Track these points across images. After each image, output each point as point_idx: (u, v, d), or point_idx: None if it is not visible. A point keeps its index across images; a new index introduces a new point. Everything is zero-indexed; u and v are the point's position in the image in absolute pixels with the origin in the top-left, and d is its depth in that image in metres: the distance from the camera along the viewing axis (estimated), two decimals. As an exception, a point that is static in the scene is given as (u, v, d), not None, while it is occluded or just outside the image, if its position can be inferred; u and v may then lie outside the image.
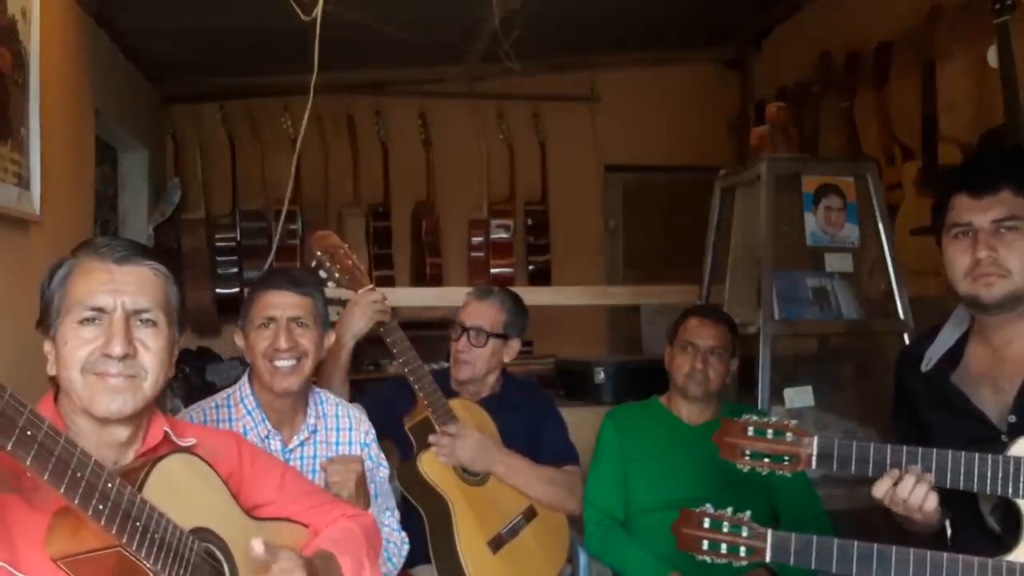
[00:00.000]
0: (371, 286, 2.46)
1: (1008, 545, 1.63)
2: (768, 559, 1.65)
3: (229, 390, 2.16)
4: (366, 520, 1.74)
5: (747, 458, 1.70)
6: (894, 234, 3.08)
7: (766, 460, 1.69)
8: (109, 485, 1.17)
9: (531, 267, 5.36)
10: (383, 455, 2.29)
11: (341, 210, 5.11)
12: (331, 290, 2.51)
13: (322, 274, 2.39)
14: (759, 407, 2.81)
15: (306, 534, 1.62)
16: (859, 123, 3.98)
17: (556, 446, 2.62)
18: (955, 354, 1.84)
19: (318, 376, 2.40)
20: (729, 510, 1.68)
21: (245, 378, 2.15)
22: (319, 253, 2.42)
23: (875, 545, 1.61)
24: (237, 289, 4.80)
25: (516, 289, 2.81)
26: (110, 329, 1.36)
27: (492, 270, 5.13)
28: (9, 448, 1.08)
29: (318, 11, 2.75)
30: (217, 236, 4.93)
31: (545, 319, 4.56)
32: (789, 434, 1.68)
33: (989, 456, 1.60)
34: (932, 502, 1.64)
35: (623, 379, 3.58)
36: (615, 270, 5.74)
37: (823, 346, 3.32)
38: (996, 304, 1.72)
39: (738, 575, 2.16)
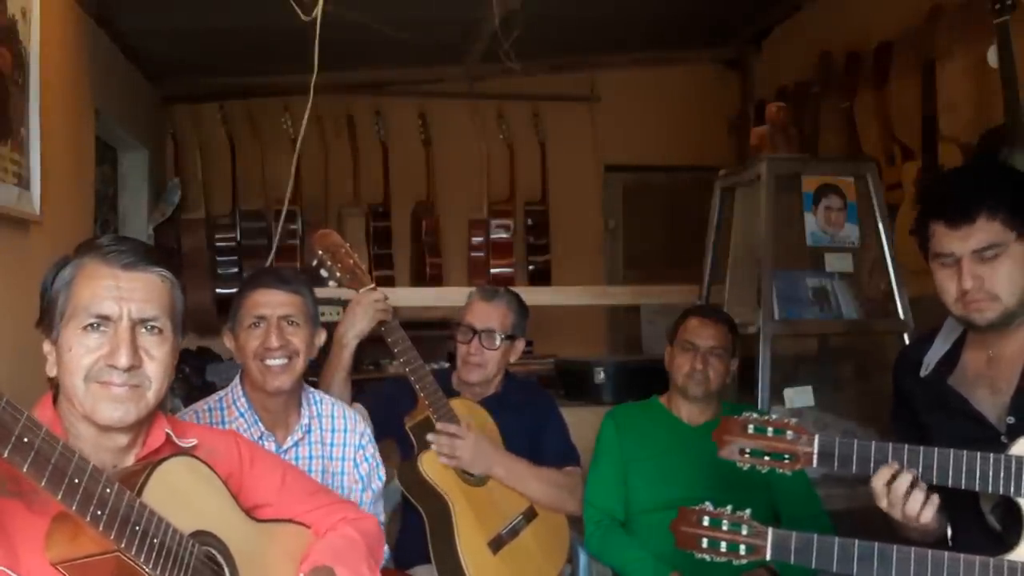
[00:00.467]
0: (372, 285, 2.45)
1: (1009, 544, 1.63)
2: (768, 557, 1.65)
3: (221, 392, 2.15)
4: (368, 524, 1.73)
5: (747, 456, 1.69)
6: (894, 234, 3.07)
7: (766, 458, 1.68)
8: (108, 490, 1.16)
9: (531, 267, 5.36)
10: (380, 458, 2.28)
11: (341, 210, 5.11)
12: (332, 289, 2.51)
13: (323, 273, 2.38)
14: (759, 407, 2.81)
15: (308, 535, 1.60)
16: (859, 123, 3.98)
17: (557, 447, 2.62)
18: (952, 357, 1.84)
19: (319, 376, 2.40)
20: (728, 508, 1.68)
21: (237, 379, 2.13)
22: (320, 252, 2.42)
23: (876, 544, 1.60)
24: (237, 289, 4.79)
25: (516, 289, 2.81)
26: (115, 338, 1.34)
27: (492, 270, 5.13)
28: (6, 455, 1.07)
29: (318, 11, 2.75)
30: (217, 236, 4.93)
31: (545, 319, 4.56)
32: (790, 432, 1.67)
33: (991, 455, 1.60)
34: (928, 513, 1.63)
35: (623, 379, 3.58)
36: (615, 270, 5.74)
37: (823, 346, 3.32)
38: (989, 325, 1.73)
39: (739, 575, 2.17)
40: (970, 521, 1.74)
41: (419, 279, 5.12)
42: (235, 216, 4.96)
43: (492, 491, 2.47)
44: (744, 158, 3.87)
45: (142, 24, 3.94)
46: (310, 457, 2.13)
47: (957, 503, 1.72)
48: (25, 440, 1.09)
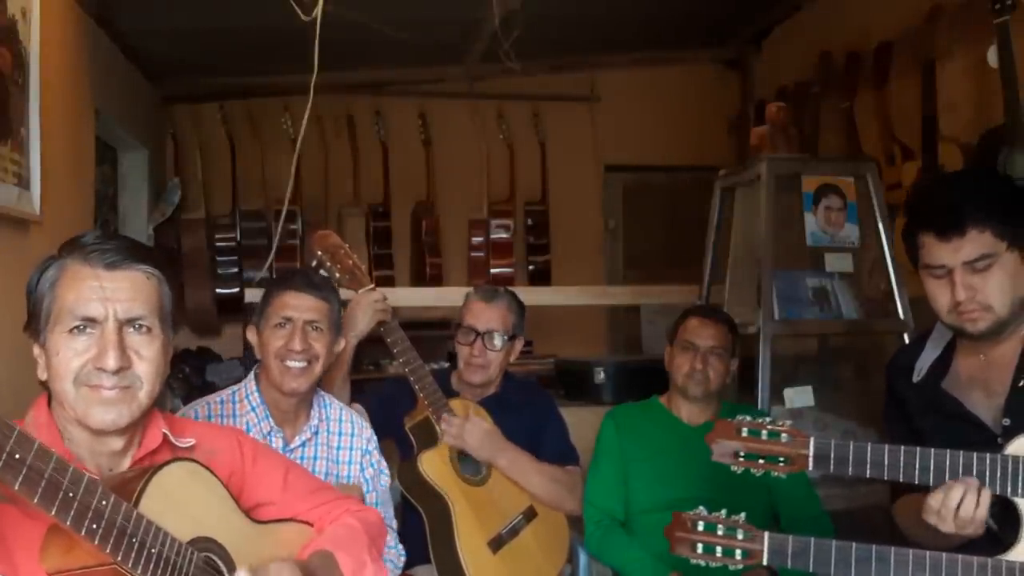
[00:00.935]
0: (372, 286, 2.46)
1: (1006, 544, 1.63)
2: (765, 561, 1.64)
3: (235, 387, 2.17)
4: (371, 515, 1.72)
5: (741, 459, 1.68)
6: (894, 234, 3.07)
7: (761, 461, 1.67)
8: (103, 503, 1.15)
9: (531, 267, 5.35)
10: (384, 462, 2.29)
11: (341, 210, 5.11)
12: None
13: (322, 273, 2.39)
14: (759, 407, 2.81)
15: (311, 533, 1.60)
16: (859, 123, 3.97)
17: (557, 447, 2.62)
18: (944, 361, 1.84)
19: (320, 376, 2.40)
20: (723, 512, 1.67)
21: (252, 375, 2.16)
22: (320, 253, 2.42)
23: (873, 546, 1.60)
24: (237, 289, 4.79)
25: (516, 289, 2.81)
26: (102, 340, 1.31)
27: (492, 270, 5.13)
28: None
29: (318, 11, 2.75)
30: (217, 236, 4.92)
31: (545, 319, 4.56)
32: (784, 435, 1.66)
33: (988, 455, 1.60)
34: (983, 513, 1.60)
35: (623, 379, 3.58)
36: (615, 270, 5.74)
37: (823, 346, 3.32)
38: (982, 335, 1.73)
39: (739, 574, 2.17)
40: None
41: (419, 279, 5.12)
42: (235, 216, 4.95)
43: (492, 491, 2.47)
44: (744, 158, 3.87)
45: (142, 24, 3.94)
46: (315, 458, 2.16)
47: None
48: (17, 456, 1.07)
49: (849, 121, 4.00)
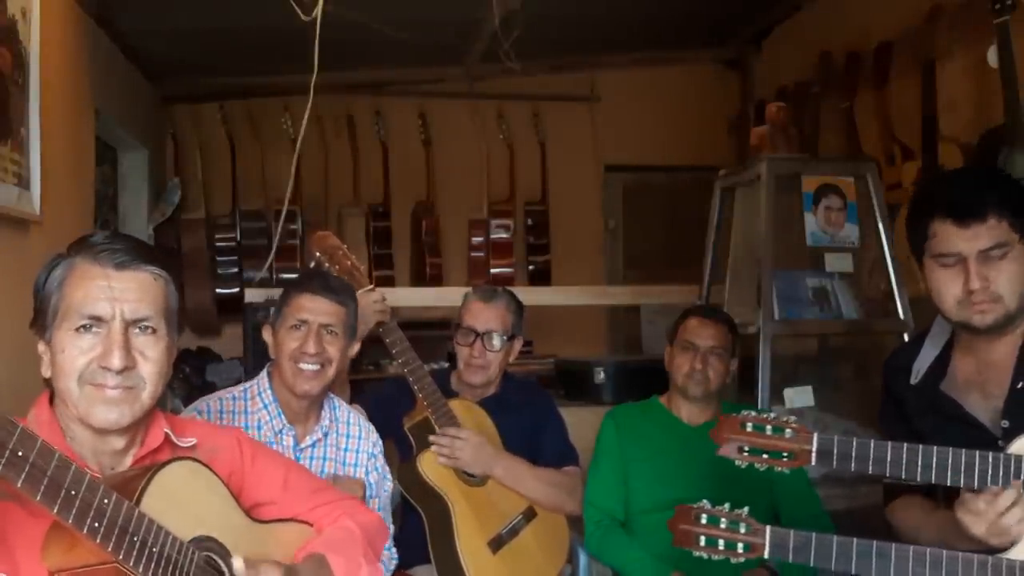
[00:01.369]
0: (370, 286, 2.46)
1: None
2: (767, 555, 1.64)
3: (247, 383, 2.18)
4: (369, 517, 1.72)
5: (745, 454, 1.68)
6: (894, 234, 3.07)
7: (764, 456, 1.66)
8: (105, 501, 1.15)
9: (531, 267, 5.36)
10: (388, 467, 2.29)
11: (341, 210, 5.11)
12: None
13: (325, 274, 2.39)
14: (759, 407, 2.81)
15: (311, 533, 1.60)
16: (859, 123, 3.97)
17: (556, 447, 2.62)
18: (941, 362, 1.83)
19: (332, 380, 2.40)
20: (726, 506, 1.67)
21: (265, 372, 2.17)
22: (318, 254, 2.43)
23: (874, 542, 1.60)
24: (237, 289, 4.80)
25: (516, 289, 2.81)
26: (108, 340, 1.32)
27: (492, 270, 5.13)
28: (0, 472, 1.06)
29: (318, 11, 2.75)
30: (217, 236, 4.93)
31: (545, 319, 4.56)
32: (788, 430, 1.66)
33: (989, 453, 1.60)
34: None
35: (623, 379, 3.58)
36: (615, 270, 5.74)
37: (823, 346, 3.32)
38: (989, 329, 1.72)
39: (739, 574, 2.16)
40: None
41: (419, 279, 5.12)
42: (235, 216, 4.96)
43: (491, 491, 2.47)
44: (744, 158, 3.87)
45: (142, 24, 3.94)
46: (324, 459, 2.16)
47: (953, 500, 1.72)
48: (20, 454, 1.07)
49: (849, 121, 4.00)
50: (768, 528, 1.64)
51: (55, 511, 1.11)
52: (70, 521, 1.12)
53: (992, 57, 2.88)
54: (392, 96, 5.36)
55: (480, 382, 2.58)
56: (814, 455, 1.64)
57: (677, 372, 2.52)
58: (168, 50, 4.36)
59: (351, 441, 2.21)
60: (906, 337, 2.92)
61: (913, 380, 1.85)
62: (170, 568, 1.22)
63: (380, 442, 2.27)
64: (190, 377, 4.53)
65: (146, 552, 1.19)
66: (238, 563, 1.32)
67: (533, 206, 5.37)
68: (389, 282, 4.97)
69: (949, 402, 1.78)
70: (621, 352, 5.29)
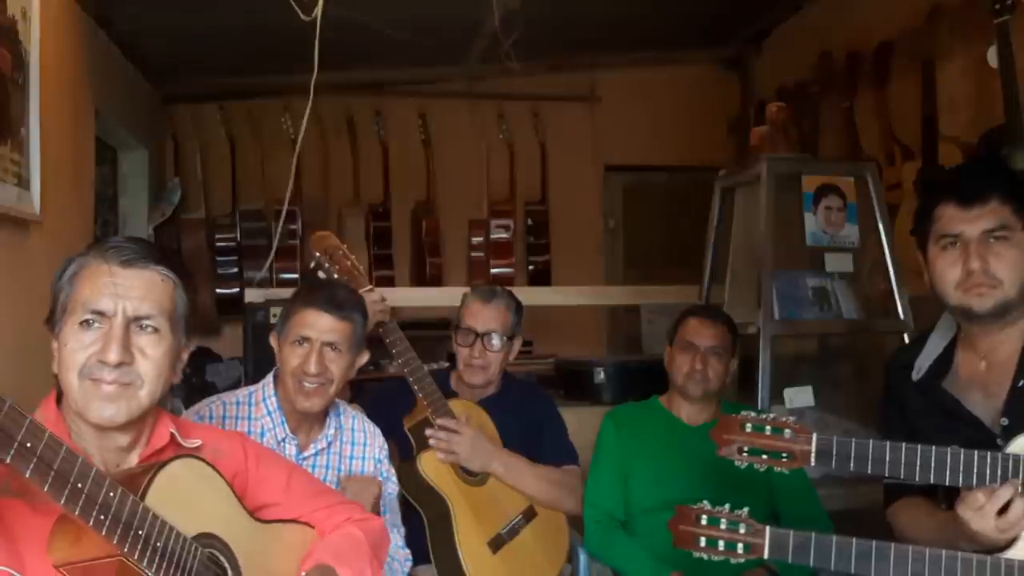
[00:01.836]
0: (370, 286, 2.46)
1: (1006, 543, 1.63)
2: (766, 556, 1.64)
3: (251, 388, 2.15)
4: (373, 524, 1.72)
5: (744, 455, 1.68)
6: (894, 234, 3.08)
7: (764, 456, 1.67)
8: (111, 495, 1.16)
9: (531, 267, 5.36)
10: (393, 470, 2.29)
11: (341, 210, 5.11)
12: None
13: (321, 275, 2.39)
14: (759, 407, 2.81)
15: (312, 535, 1.60)
16: (859, 123, 3.98)
17: (556, 447, 2.62)
18: (944, 361, 1.84)
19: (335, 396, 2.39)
20: (726, 506, 1.67)
21: (270, 378, 2.14)
22: (318, 254, 2.42)
23: (873, 542, 1.60)
24: (237, 289, 4.80)
25: (516, 289, 2.81)
26: (108, 335, 1.33)
27: (492, 270, 5.13)
28: (8, 461, 1.07)
29: (318, 11, 2.75)
30: (217, 236, 4.93)
31: (545, 319, 4.56)
32: (787, 431, 1.66)
33: (988, 453, 1.60)
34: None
35: (623, 379, 3.58)
36: (615, 270, 5.74)
37: (823, 346, 3.32)
38: (988, 314, 1.73)
39: (739, 574, 2.16)
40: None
41: (419, 279, 5.12)
42: (235, 216, 4.96)
43: (491, 491, 2.47)
44: (744, 158, 3.87)
45: (142, 24, 3.94)
46: (328, 467, 2.15)
47: (954, 501, 1.72)
48: (28, 445, 1.08)
49: (849, 121, 4.00)
50: (768, 529, 1.65)
51: (62, 502, 1.12)
52: (76, 513, 1.13)
53: (992, 57, 2.88)
54: (392, 96, 5.36)
55: (480, 382, 2.58)
56: (813, 455, 1.65)
57: (677, 372, 2.52)
58: (168, 50, 4.36)
59: (356, 448, 2.20)
60: (906, 337, 2.92)
61: (915, 376, 1.85)
62: (174, 563, 1.23)
63: (386, 446, 2.26)
64: (190, 377, 4.53)
65: (150, 546, 1.20)
66: None
67: (533, 206, 5.37)
68: (389, 282, 4.97)
69: (949, 400, 1.79)
70: (621, 352, 5.29)
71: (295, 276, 4.77)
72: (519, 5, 3.64)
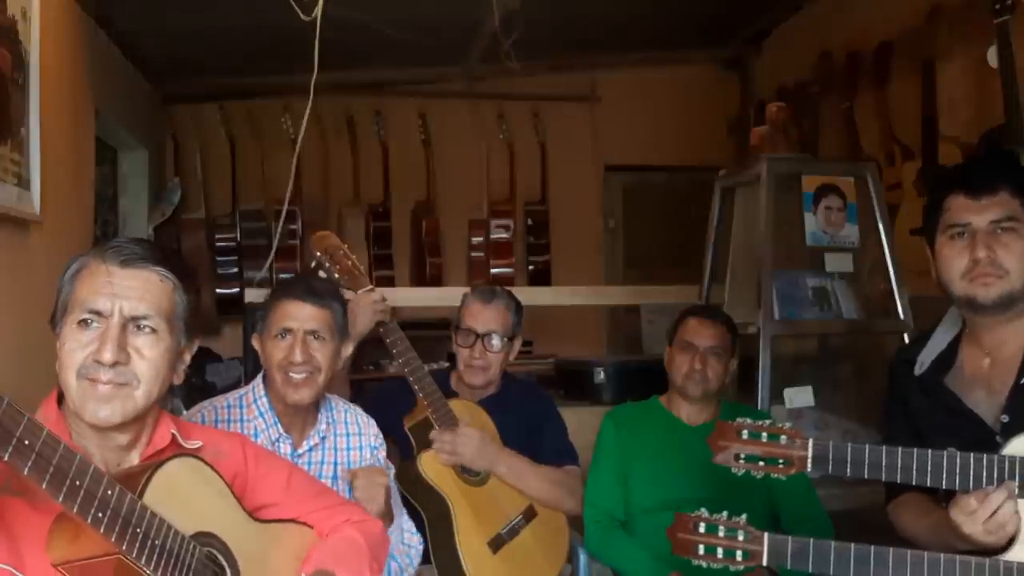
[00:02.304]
0: (370, 286, 2.46)
1: (1005, 544, 1.63)
2: (765, 562, 1.65)
3: (241, 390, 2.15)
4: (372, 527, 1.73)
5: (742, 462, 1.69)
6: (894, 234, 3.08)
7: (761, 463, 1.68)
8: (109, 492, 1.16)
9: (531, 267, 5.36)
10: (390, 462, 2.29)
11: (341, 210, 5.11)
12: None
13: (321, 275, 2.39)
14: (759, 407, 2.81)
15: (311, 536, 1.61)
16: (859, 123, 3.98)
17: (556, 447, 2.62)
18: (948, 357, 1.84)
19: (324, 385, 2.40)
20: (724, 514, 1.68)
21: (260, 379, 2.13)
22: (318, 254, 2.42)
23: (872, 546, 1.60)
24: (237, 289, 4.80)
25: (516, 289, 2.81)
26: (105, 335, 1.33)
27: (492, 270, 5.13)
28: (6, 458, 1.07)
29: (318, 11, 2.75)
30: (217, 236, 4.94)
31: (545, 319, 4.57)
32: (784, 437, 1.67)
33: (984, 456, 1.60)
34: (1017, 524, 1.58)
35: (623, 379, 3.58)
36: (615, 270, 5.74)
37: (823, 346, 3.32)
38: (993, 305, 1.73)
39: (738, 573, 2.17)
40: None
41: (419, 279, 5.12)
42: (235, 216, 4.96)
43: (492, 491, 2.47)
44: (744, 158, 3.87)
45: (142, 24, 3.94)
46: (323, 463, 2.14)
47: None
48: (26, 443, 1.09)
49: (849, 121, 4.00)
50: (766, 535, 1.65)
51: (60, 499, 1.12)
52: (75, 510, 1.13)
53: (992, 57, 2.88)
54: (392, 96, 5.36)
55: (481, 383, 2.58)
56: (809, 461, 1.66)
57: (676, 372, 2.52)
58: (168, 50, 4.36)
59: (352, 439, 2.19)
60: (906, 337, 2.92)
61: (918, 371, 1.85)
62: (172, 561, 1.23)
63: (381, 435, 2.26)
64: (190, 377, 4.52)
65: (148, 544, 1.20)
66: None
67: (533, 206, 5.37)
68: (389, 282, 4.97)
69: (951, 396, 1.79)
70: (621, 352, 5.29)
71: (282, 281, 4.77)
72: (519, 5, 3.64)
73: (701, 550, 1.66)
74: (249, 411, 2.09)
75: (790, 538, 1.64)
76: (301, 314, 2.04)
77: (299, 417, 2.11)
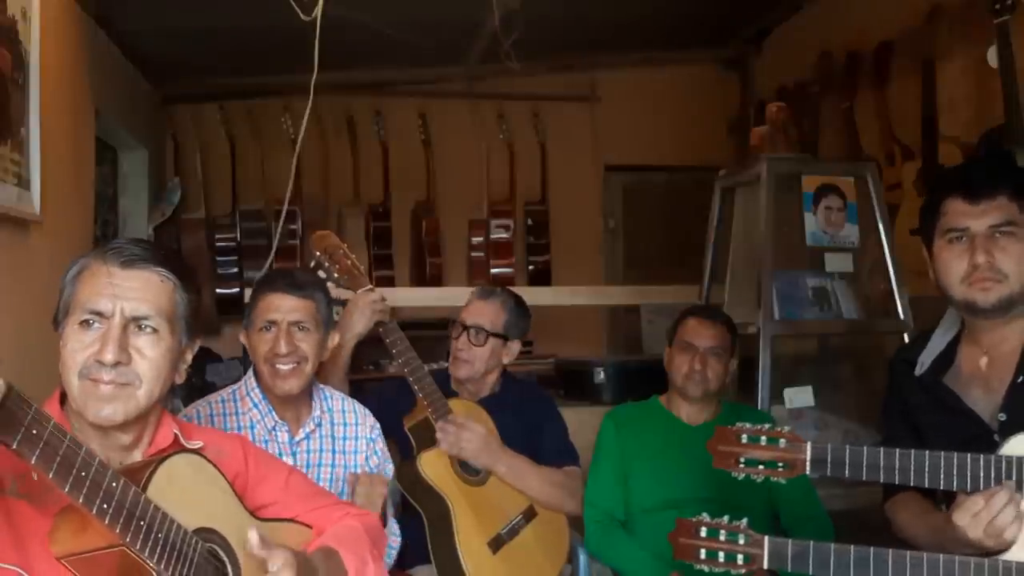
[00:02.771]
0: (370, 286, 2.46)
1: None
2: (766, 566, 1.66)
3: (234, 385, 2.17)
4: (370, 519, 1.75)
5: (742, 465, 1.70)
6: (894, 234, 3.08)
7: (761, 467, 1.69)
8: (114, 484, 1.17)
9: (531, 267, 5.36)
10: (388, 452, 2.29)
11: (341, 210, 5.11)
12: (331, 290, 2.52)
13: (321, 274, 2.39)
14: (759, 407, 2.81)
15: (310, 535, 1.62)
16: (859, 123, 3.98)
17: (556, 447, 2.62)
18: (947, 357, 1.85)
19: (318, 376, 2.41)
20: (726, 518, 1.69)
21: (251, 372, 2.16)
22: (318, 253, 2.43)
23: (872, 549, 1.60)
24: (237, 289, 4.80)
25: (516, 289, 2.81)
26: (106, 335, 1.34)
27: (492, 270, 5.13)
28: (14, 446, 1.08)
29: (318, 11, 2.75)
30: (217, 236, 4.93)
31: (545, 319, 4.55)
32: (783, 440, 1.68)
33: (981, 456, 1.60)
34: (1020, 527, 1.57)
35: (623, 379, 3.58)
36: (615, 270, 5.74)
37: (823, 346, 3.32)
38: (992, 308, 1.73)
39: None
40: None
41: (419, 279, 5.12)
42: (235, 216, 4.96)
43: (491, 491, 2.47)
44: (744, 158, 3.87)
45: (142, 24, 3.94)
46: (320, 450, 2.16)
47: (952, 498, 1.72)
48: (34, 432, 1.09)
49: (849, 121, 4.00)
50: (766, 538, 1.66)
51: (67, 489, 1.13)
52: (80, 501, 1.14)
53: (992, 57, 2.88)
54: (392, 96, 5.36)
55: (464, 376, 2.58)
56: (808, 464, 1.66)
57: (676, 372, 2.52)
58: (168, 50, 4.36)
59: (348, 428, 2.21)
60: (906, 337, 2.92)
61: (918, 371, 1.85)
62: (175, 555, 1.24)
63: (378, 425, 2.27)
64: (190, 377, 4.52)
65: (152, 537, 1.21)
66: (253, 537, 1.34)
67: (533, 206, 5.37)
68: (389, 282, 4.96)
69: (950, 395, 1.79)
70: (621, 352, 5.29)
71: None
72: (519, 5, 3.64)
73: (703, 554, 1.67)
74: (243, 403, 2.12)
75: (790, 541, 1.65)
76: (284, 305, 2.07)
77: (292, 406, 2.13)
